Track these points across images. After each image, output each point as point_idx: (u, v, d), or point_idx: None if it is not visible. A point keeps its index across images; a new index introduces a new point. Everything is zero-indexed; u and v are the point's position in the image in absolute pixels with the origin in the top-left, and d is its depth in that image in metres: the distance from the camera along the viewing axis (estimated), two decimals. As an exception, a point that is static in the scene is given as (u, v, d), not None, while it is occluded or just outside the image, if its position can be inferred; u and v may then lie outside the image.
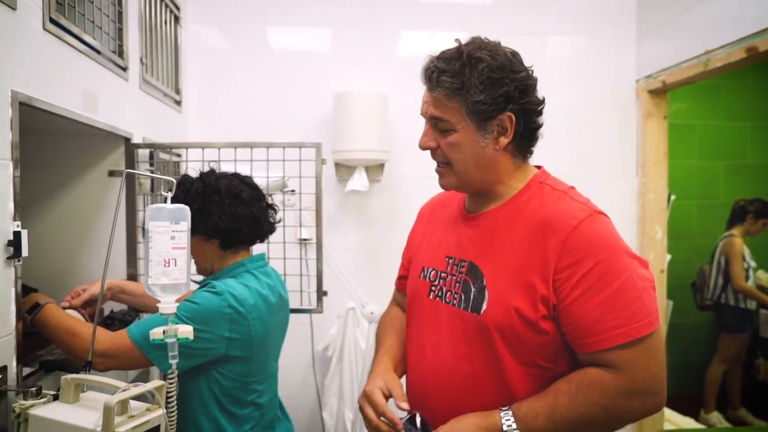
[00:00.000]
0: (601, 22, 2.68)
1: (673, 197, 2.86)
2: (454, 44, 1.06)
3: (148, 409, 1.03)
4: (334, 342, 2.41)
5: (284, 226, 1.79)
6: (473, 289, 1.05)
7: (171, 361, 1.07)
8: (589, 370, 0.98)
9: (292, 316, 1.57)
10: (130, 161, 1.75)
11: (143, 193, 1.80)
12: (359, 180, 2.36)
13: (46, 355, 1.30)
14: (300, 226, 1.82)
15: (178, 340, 1.07)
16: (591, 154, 2.68)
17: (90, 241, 1.75)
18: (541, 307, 0.98)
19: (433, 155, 1.09)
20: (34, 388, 1.06)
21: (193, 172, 1.80)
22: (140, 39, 1.87)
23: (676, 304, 3.30)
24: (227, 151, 1.81)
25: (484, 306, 1.02)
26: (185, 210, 1.08)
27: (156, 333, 1.06)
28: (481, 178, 1.07)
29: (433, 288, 1.13)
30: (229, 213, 1.38)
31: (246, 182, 1.47)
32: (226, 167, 1.77)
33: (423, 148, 1.08)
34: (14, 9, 1.12)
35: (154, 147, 1.78)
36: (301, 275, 1.82)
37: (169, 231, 1.07)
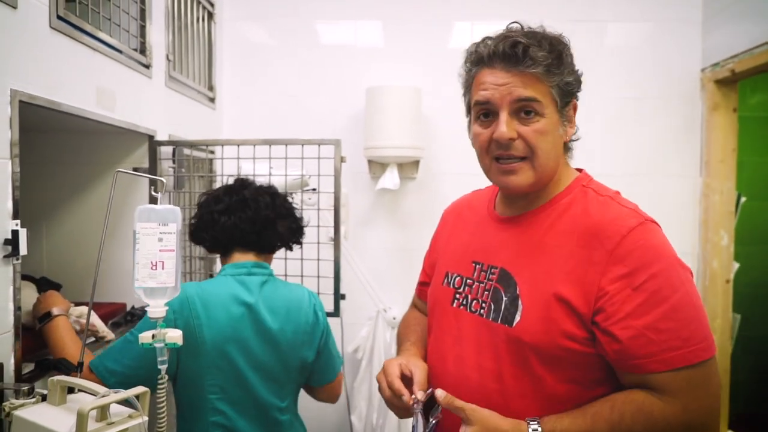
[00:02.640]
0: (664, 6, 2.47)
1: (743, 199, 2.57)
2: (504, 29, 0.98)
3: (129, 416, 1.00)
4: (364, 344, 2.36)
5: (318, 226, 1.75)
6: (504, 299, 0.97)
7: (159, 366, 1.03)
8: (635, 393, 0.88)
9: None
10: (153, 158, 1.75)
11: (167, 191, 1.80)
12: (390, 178, 2.30)
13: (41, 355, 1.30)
14: (318, 226, 1.75)
15: (166, 345, 1.04)
16: (648, 151, 2.48)
17: (117, 235, 1.77)
18: (586, 323, 0.90)
19: (506, 149, 0.95)
20: (26, 387, 1.06)
21: (227, 169, 1.82)
22: (166, 37, 1.87)
23: (747, 316, 2.99)
24: (252, 148, 1.79)
25: (518, 318, 0.94)
26: (175, 211, 1.04)
27: (145, 337, 1.03)
28: (551, 173, 0.99)
29: (458, 296, 1.06)
30: (197, 215, 1.39)
31: (272, 192, 1.44)
32: (250, 165, 1.77)
33: (506, 139, 0.93)
34: (15, 8, 1.13)
35: (175, 144, 1.79)
36: (318, 277, 1.77)
37: (157, 233, 1.04)
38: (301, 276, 1.75)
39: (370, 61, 2.48)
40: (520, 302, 0.94)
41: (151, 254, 1.03)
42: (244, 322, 1.28)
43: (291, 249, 1.47)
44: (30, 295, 1.42)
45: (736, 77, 2.30)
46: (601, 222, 0.92)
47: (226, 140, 1.78)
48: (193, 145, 1.80)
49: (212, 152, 2.22)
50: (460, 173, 2.32)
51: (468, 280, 1.05)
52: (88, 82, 1.41)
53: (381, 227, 2.49)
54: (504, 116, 0.93)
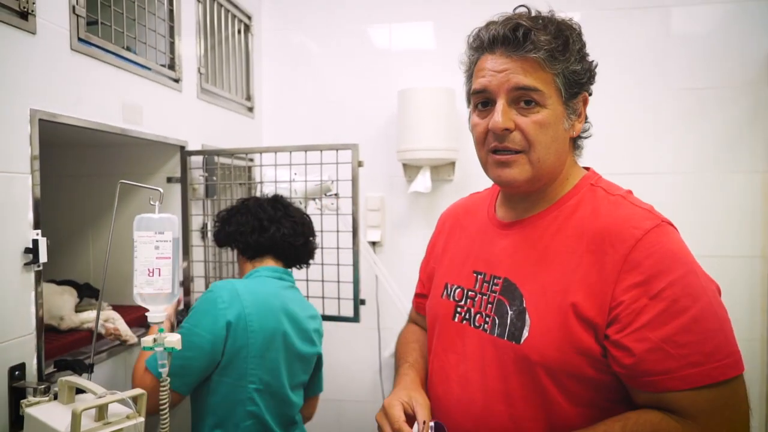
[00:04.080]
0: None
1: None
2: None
3: (127, 417, 1.05)
4: (401, 349, 2.34)
5: (338, 231, 1.75)
6: (510, 312, 0.91)
7: (160, 370, 1.08)
8: (650, 413, 0.80)
9: (367, 319, 1.58)
10: (184, 168, 1.83)
11: (197, 199, 1.88)
12: (422, 181, 2.27)
13: (72, 355, 1.39)
14: (337, 231, 1.75)
15: (165, 349, 1.08)
16: (713, 145, 2.29)
17: (156, 243, 1.88)
18: (601, 337, 0.83)
19: (502, 141, 0.89)
20: (42, 386, 1.14)
21: (266, 175, 1.90)
22: (197, 51, 1.95)
23: None
24: (281, 155, 1.84)
25: (525, 333, 0.87)
26: (171, 220, 1.09)
27: (146, 341, 1.08)
28: (552, 170, 0.92)
29: (459, 309, 1.00)
30: (240, 221, 1.48)
31: (290, 209, 1.55)
32: (274, 171, 1.81)
33: (502, 129, 0.87)
34: (34, 34, 1.22)
35: (205, 153, 1.86)
36: (338, 282, 1.78)
37: (153, 241, 1.09)
38: (322, 281, 1.78)
39: (405, 63, 2.46)
40: (527, 316, 0.88)
41: (148, 261, 1.08)
42: (285, 318, 1.38)
43: (308, 266, 1.58)
44: (68, 300, 1.53)
45: (809, 58, 2.07)
46: (613, 224, 0.85)
47: (248, 148, 1.83)
48: (219, 153, 1.86)
49: (251, 160, 2.30)
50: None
51: (470, 292, 0.99)
52: (114, 98, 1.50)
53: (417, 230, 2.46)
54: (500, 105, 0.88)
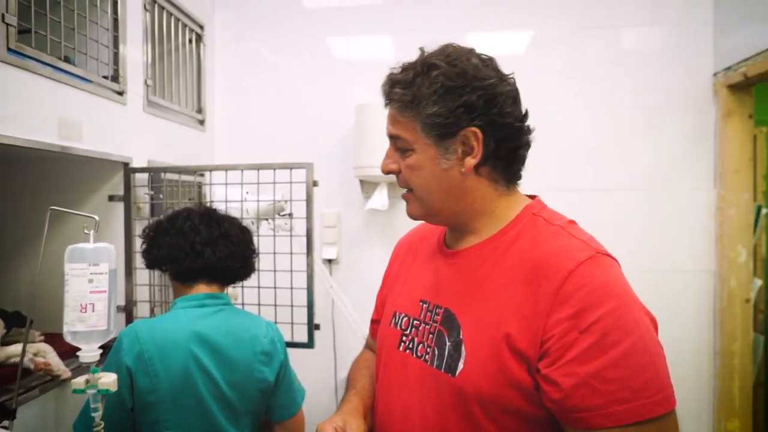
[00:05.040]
0: (675, 8, 2.34)
1: (765, 210, 2.40)
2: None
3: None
4: (358, 369, 2.29)
5: (292, 253, 1.70)
6: (448, 344, 0.89)
7: (93, 414, 1.00)
8: None
9: (323, 338, 1.46)
10: (128, 186, 1.73)
11: (141, 218, 1.78)
12: (379, 198, 2.25)
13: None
14: (291, 252, 1.69)
15: (99, 391, 1.00)
16: (660, 163, 2.35)
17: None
18: (532, 370, 0.81)
19: (398, 181, 0.97)
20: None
21: (217, 194, 1.80)
22: (144, 62, 1.86)
23: None
24: (232, 173, 1.76)
25: (461, 365, 0.86)
26: (108, 250, 1.00)
27: (77, 383, 0.99)
28: (449, 207, 0.93)
29: (404, 338, 0.99)
30: (171, 243, 1.35)
31: (228, 218, 1.42)
32: (224, 190, 1.73)
33: (385, 171, 0.96)
34: (-47, 44, 1.11)
35: (150, 170, 1.77)
36: (292, 306, 1.71)
37: (87, 273, 1.00)
38: (275, 305, 1.71)
39: (363, 77, 2.44)
40: (463, 348, 0.86)
41: (80, 296, 0.99)
42: (201, 351, 1.26)
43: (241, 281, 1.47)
44: (-6, 329, 1.41)
45: (750, 81, 2.14)
46: (548, 255, 0.84)
47: (196, 166, 1.76)
48: (166, 170, 1.77)
49: (201, 175, 2.21)
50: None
51: (415, 321, 0.98)
52: (49, 113, 1.40)
53: (374, 248, 2.43)
54: (388, 149, 0.95)
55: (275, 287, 1.71)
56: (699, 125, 2.33)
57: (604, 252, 0.85)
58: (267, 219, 1.79)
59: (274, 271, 1.71)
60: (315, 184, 1.67)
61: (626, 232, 2.33)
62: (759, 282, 2.32)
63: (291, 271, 1.70)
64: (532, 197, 0.99)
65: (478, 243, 0.94)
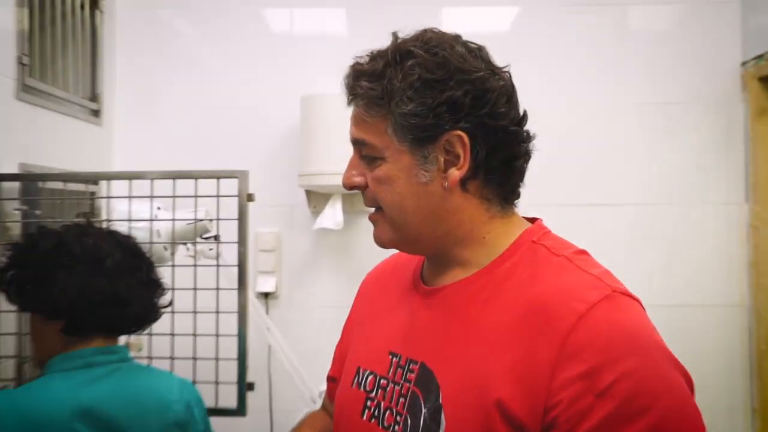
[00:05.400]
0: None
1: (804, 231, 2.48)
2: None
3: None
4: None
5: (218, 288, 1.65)
6: (424, 410, 0.87)
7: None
8: None
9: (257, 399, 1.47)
10: (-7, 197, 1.64)
11: (7, 242, 1.67)
12: (332, 214, 2.22)
13: None
14: (217, 288, 1.64)
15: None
16: (678, 172, 2.40)
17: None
18: None
19: (363, 197, 0.96)
20: None
21: (117, 210, 1.73)
22: (18, 32, 1.79)
23: None
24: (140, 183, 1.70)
25: None
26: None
27: None
28: (428, 231, 0.93)
29: (369, 403, 0.97)
30: (80, 285, 1.26)
31: (123, 244, 1.37)
32: (126, 205, 1.66)
33: (347, 186, 0.96)
34: None
35: (23, 178, 1.71)
36: (217, 359, 1.65)
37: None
38: (194, 358, 1.65)
39: (310, 61, 2.43)
40: (442, 416, 0.84)
41: None
42: (85, 428, 1.20)
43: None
44: None
45: (787, 73, 2.22)
46: (551, 295, 0.83)
47: (89, 173, 1.73)
48: (45, 179, 1.70)
49: (96, 183, 2.12)
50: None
51: (382, 380, 0.96)
52: None
53: (324, 279, 2.41)
54: (352, 158, 0.96)
55: (194, 334, 1.66)
56: (725, 126, 2.41)
57: (622, 290, 0.84)
58: (185, 243, 1.76)
59: (194, 312, 1.65)
60: (250, 198, 1.63)
61: (636, 258, 2.37)
62: (800, 318, 2.38)
63: (217, 312, 1.65)
64: (532, 220, 0.99)
65: (463, 278, 0.93)
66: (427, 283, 0.99)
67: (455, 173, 0.89)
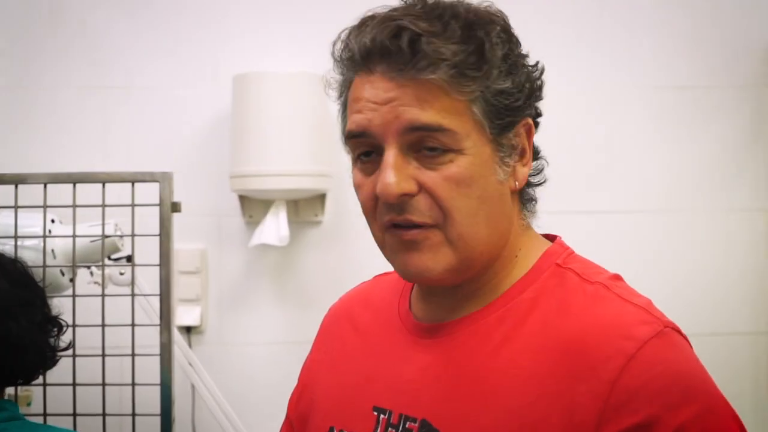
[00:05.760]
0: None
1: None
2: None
3: None
4: None
5: (133, 324, 1.67)
6: None
7: None
8: None
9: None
10: None
11: None
12: (274, 227, 2.21)
13: None
14: (132, 324, 1.65)
15: None
16: (694, 172, 2.48)
17: None
18: None
19: (400, 211, 0.88)
20: None
21: None
22: None
23: None
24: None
25: None
26: None
27: None
28: (488, 249, 0.92)
29: None
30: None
31: (8, 270, 1.39)
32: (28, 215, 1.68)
33: (396, 195, 0.86)
34: None
35: None
36: (133, 416, 1.62)
37: None
38: (103, 414, 1.62)
39: (246, 30, 2.43)
40: None
41: None
42: None
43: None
44: None
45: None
46: (591, 331, 0.85)
47: None
48: None
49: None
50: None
51: None
52: None
53: (266, 308, 2.40)
54: (391, 156, 0.86)
55: (104, 384, 1.63)
56: (751, 117, 2.50)
57: (674, 326, 0.86)
58: (89, 266, 1.74)
59: (103, 356, 1.63)
60: (175, 208, 1.62)
61: (644, 274, 2.38)
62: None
63: (132, 355, 1.63)
64: (550, 238, 1.02)
65: (473, 313, 0.94)
66: (421, 318, 0.99)
67: (524, 170, 0.93)
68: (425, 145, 0.87)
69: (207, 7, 2.43)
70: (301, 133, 2.20)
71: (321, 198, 2.36)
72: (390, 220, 0.88)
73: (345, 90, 0.96)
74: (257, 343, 2.40)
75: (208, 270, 2.37)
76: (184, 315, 2.32)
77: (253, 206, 2.35)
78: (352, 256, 2.39)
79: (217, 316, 2.39)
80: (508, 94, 0.88)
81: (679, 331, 0.87)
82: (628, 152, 2.46)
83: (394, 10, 0.89)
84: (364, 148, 0.91)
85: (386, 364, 1.00)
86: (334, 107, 2.51)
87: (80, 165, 1.88)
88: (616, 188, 2.45)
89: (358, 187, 0.93)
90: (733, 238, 2.47)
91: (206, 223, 2.37)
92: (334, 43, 0.95)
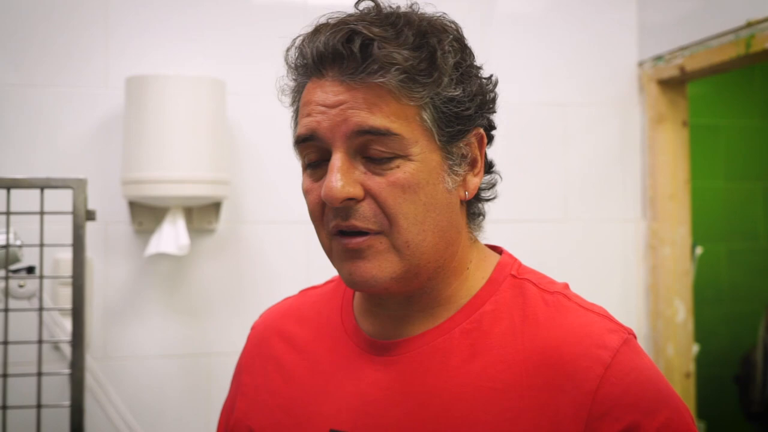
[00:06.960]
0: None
1: (699, 250, 2.81)
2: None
3: None
4: None
5: (40, 341, 1.58)
6: None
7: None
8: None
9: None
10: None
11: None
12: (172, 235, 2.15)
13: None
14: (40, 341, 1.59)
15: None
16: (567, 182, 2.60)
17: None
18: None
19: (346, 217, 0.89)
20: None
21: None
22: None
23: (713, 414, 3.37)
24: None
25: None
26: None
27: None
28: (436, 259, 0.93)
29: None
30: None
31: None
32: None
33: (340, 199, 0.87)
34: None
35: None
36: None
37: None
38: None
39: (140, 30, 2.35)
40: None
41: None
42: None
43: None
44: None
45: (686, 77, 2.51)
46: (565, 341, 0.88)
47: None
48: None
49: None
50: (294, 222, 2.29)
51: None
52: None
53: (159, 321, 2.33)
54: (337, 160, 0.87)
55: (4, 407, 1.54)
56: (621, 133, 2.66)
57: (630, 330, 0.91)
58: None
59: (4, 376, 1.53)
60: (90, 216, 1.61)
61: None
62: (696, 347, 2.69)
63: (38, 374, 1.54)
64: (496, 249, 1.04)
65: (433, 327, 0.94)
66: (373, 334, 0.98)
67: (475, 180, 0.94)
68: (373, 149, 0.87)
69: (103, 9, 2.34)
70: (200, 138, 2.18)
71: (216, 206, 2.34)
72: (336, 226, 0.89)
73: (297, 96, 0.95)
74: (148, 357, 2.33)
75: (93, 280, 2.26)
76: (65, 327, 2.17)
77: (144, 213, 2.30)
78: (246, 266, 2.39)
79: (102, 328, 2.29)
80: (458, 102, 0.90)
81: (635, 336, 0.92)
82: (513, 163, 2.53)
83: (349, 16, 0.90)
84: (314, 155, 0.91)
85: (337, 383, 0.98)
86: (234, 113, 2.52)
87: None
88: (508, 198, 2.53)
89: (306, 193, 0.93)
90: (603, 244, 2.59)
91: (91, 230, 2.24)
92: (288, 50, 0.95)
